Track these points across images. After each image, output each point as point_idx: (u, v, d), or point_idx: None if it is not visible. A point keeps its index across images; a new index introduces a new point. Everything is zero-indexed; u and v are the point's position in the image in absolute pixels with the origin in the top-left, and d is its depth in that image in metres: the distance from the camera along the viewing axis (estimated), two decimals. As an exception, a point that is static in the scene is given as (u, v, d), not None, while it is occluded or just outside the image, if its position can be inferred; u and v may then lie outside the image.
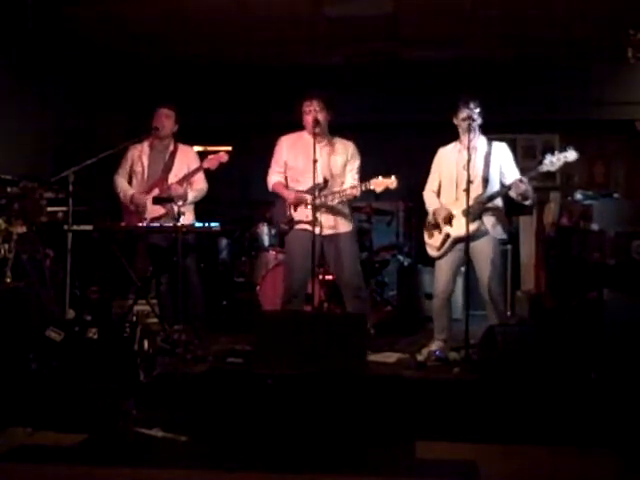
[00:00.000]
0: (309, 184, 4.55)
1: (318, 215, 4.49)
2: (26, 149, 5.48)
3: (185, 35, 6.28)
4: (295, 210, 4.71)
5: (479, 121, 4.51)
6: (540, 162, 4.35)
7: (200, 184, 5.02)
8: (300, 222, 4.68)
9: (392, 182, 4.43)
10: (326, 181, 4.61)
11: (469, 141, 4.37)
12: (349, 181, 4.70)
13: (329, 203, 4.62)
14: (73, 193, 4.48)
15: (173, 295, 4.74)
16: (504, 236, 4.67)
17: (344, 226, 4.76)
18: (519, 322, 5.75)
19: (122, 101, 7.00)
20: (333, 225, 4.70)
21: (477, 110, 4.47)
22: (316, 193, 4.49)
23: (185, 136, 5.18)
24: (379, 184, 4.45)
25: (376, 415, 3.57)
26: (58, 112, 5.98)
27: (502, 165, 4.57)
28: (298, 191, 4.69)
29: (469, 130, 4.40)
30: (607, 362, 3.88)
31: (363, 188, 4.52)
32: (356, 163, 4.77)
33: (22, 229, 4.33)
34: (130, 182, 5.06)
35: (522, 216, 6.56)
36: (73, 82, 6.22)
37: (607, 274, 4.63)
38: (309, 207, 4.54)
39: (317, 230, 4.46)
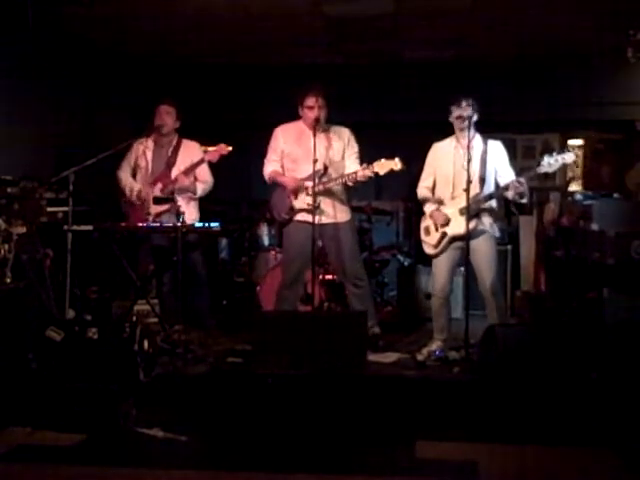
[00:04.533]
0: (307, 173, 4.57)
1: (318, 203, 4.48)
2: (26, 149, 5.47)
3: (185, 35, 6.27)
4: (295, 198, 4.71)
5: (474, 117, 4.51)
6: (538, 163, 4.36)
7: (206, 177, 5.05)
8: (301, 210, 4.68)
9: (396, 163, 4.40)
10: (326, 167, 4.61)
11: (469, 140, 4.37)
12: (351, 167, 4.70)
13: (329, 185, 4.61)
14: (74, 193, 4.49)
15: (175, 295, 4.74)
16: (499, 234, 4.68)
17: (343, 215, 4.77)
18: (519, 322, 5.75)
19: (122, 101, 6.99)
20: (332, 214, 4.70)
21: (469, 108, 4.46)
22: (316, 180, 4.49)
23: (185, 136, 5.18)
24: (382, 166, 4.42)
25: (376, 415, 3.57)
26: (58, 112, 5.97)
27: (497, 164, 4.57)
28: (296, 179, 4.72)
29: (467, 128, 4.41)
30: (607, 362, 3.88)
31: (367, 172, 4.50)
32: (355, 148, 4.79)
33: (22, 229, 4.33)
34: (134, 177, 5.08)
35: (522, 216, 6.56)
36: (73, 82, 6.22)
37: (607, 274, 4.63)
38: (309, 194, 4.54)
39: (317, 219, 4.46)
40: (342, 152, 4.76)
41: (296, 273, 4.77)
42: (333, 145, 4.73)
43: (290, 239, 4.82)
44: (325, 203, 4.65)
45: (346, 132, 4.82)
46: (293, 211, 4.73)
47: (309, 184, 4.56)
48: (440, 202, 4.64)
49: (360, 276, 4.78)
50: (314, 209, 4.42)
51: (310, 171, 4.53)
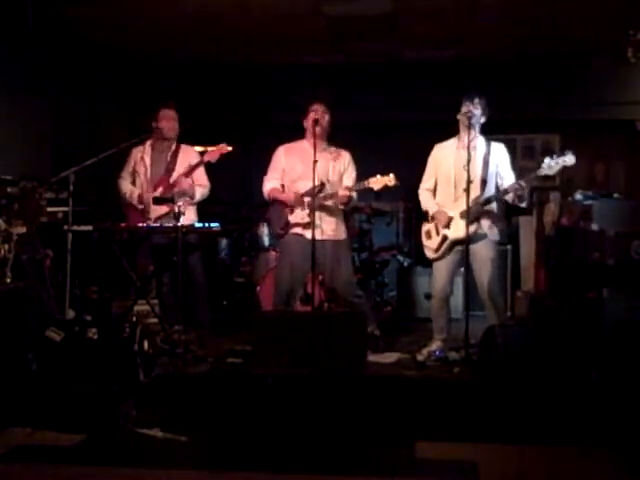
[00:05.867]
0: (307, 188, 4.57)
1: (317, 219, 4.48)
2: (26, 149, 5.48)
3: (185, 35, 6.28)
4: (292, 213, 4.71)
5: (481, 119, 4.50)
6: (539, 165, 4.35)
7: (203, 180, 5.06)
8: (296, 225, 4.68)
9: (390, 180, 4.42)
10: (323, 184, 4.61)
11: (469, 140, 4.36)
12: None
13: (327, 203, 4.62)
14: (74, 193, 4.48)
15: (175, 296, 4.74)
16: (499, 237, 4.65)
17: (341, 233, 4.79)
18: (519, 322, 5.75)
19: (122, 101, 7.00)
20: (333, 232, 4.71)
21: (479, 108, 4.45)
22: (315, 193, 4.49)
23: (186, 136, 5.19)
24: (377, 182, 4.44)
25: (376, 415, 3.57)
26: (58, 112, 5.98)
27: (499, 166, 4.56)
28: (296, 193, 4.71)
29: (469, 127, 4.40)
30: (607, 362, 3.88)
31: (361, 187, 4.53)
32: (353, 173, 4.81)
33: (22, 229, 4.32)
34: (133, 184, 5.07)
35: (522, 216, 6.56)
36: (73, 82, 6.22)
37: (607, 274, 4.63)
38: (306, 209, 4.55)
39: (317, 234, 4.44)
40: (341, 174, 4.76)
41: (289, 292, 4.76)
42: (335, 165, 4.75)
43: (285, 255, 4.81)
44: (326, 221, 4.65)
45: (347, 156, 4.83)
46: (288, 226, 4.72)
47: (307, 199, 4.57)
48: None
49: (355, 293, 4.81)
50: (313, 222, 4.40)
51: (309, 187, 4.51)
